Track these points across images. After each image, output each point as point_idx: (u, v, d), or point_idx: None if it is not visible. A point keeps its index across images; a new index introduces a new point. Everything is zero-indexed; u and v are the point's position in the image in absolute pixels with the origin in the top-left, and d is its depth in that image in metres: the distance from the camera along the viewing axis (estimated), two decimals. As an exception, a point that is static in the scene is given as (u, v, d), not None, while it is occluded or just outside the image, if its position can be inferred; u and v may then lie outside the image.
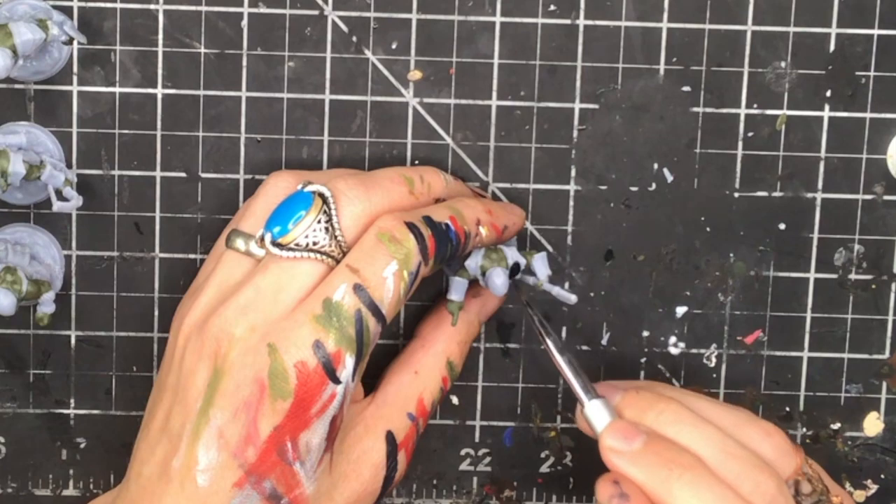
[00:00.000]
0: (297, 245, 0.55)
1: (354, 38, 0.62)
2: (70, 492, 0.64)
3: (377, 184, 0.56)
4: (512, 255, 0.60)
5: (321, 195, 0.55)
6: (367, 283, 0.54)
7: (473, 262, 0.59)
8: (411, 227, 0.55)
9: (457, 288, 0.60)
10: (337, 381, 0.54)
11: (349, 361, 0.54)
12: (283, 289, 0.54)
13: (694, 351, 0.64)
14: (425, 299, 0.63)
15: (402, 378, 0.59)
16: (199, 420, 0.54)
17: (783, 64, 0.62)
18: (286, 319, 0.54)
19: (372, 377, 0.60)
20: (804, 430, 0.65)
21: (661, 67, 0.62)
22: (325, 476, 0.56)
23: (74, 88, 0.61)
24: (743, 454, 0.54)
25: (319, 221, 0.55)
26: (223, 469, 0.53)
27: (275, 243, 0.55)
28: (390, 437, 0.58)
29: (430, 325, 0.61)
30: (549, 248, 0.63)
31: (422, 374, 0.60)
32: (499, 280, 0.59)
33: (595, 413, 0.56)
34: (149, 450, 0.55)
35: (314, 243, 0.55)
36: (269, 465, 0.54)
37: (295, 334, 0.53)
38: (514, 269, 0.60)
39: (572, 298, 0.62)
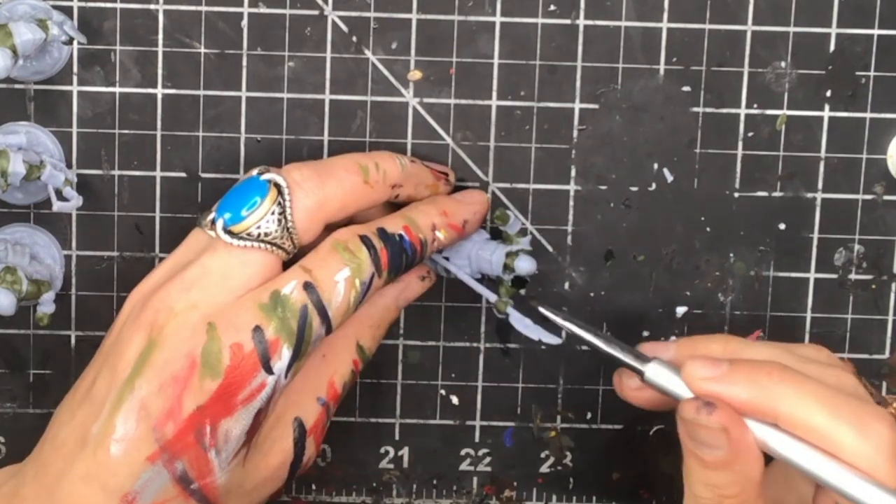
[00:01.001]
0: (248, 234, 0.55)
1: (354, 38, 0.62)
2: (70, 492, 0.64)
3: (331, 174, 0.56)
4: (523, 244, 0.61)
5: (276, 185, 0.55)
6: (318, 284, 0.54)
7: (496, 260, 0.60)
8: (364, 239, 0.56)
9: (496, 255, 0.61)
10: (270, 370, 0.54)
11: (286, 353, 0.54)
12: (231, 275, 0.54)
13: (694, 351, 0.64)
14: (428, 299, 0.63)
15: (310, 363, 0.58)
16: (124, 388, 0.54)
17: (783, 64, 0.62)
18: (232, 305, 0.54)
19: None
20: None
21: (661, 67, 0.62)
22: (238, 469, 0.55)
23: (74, 88, 0.61)
24: (814, 360, 0.54)
25: (273, 213, 0.55)
26: (139, 441, 0.53)
27: (227, 230, 0.55)
28: (299, 424, 0.58)
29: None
30: (550, 248, 0.63)
31: (329, 357, 0.59)
32: (527, 263, 0.61)
33: (659, 373, 0.54)
34: (69, 413, 0.55)
35: (266, 234, 0.55)
36: (184, 445, 0.53)
37: (237, 317, 0.54)
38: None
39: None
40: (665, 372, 0.54)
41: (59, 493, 0.54)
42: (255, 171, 0.56)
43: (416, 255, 0.58)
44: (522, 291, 0.63)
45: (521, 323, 0.62)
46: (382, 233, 0.56)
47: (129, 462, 0.53)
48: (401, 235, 0.57)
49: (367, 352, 0.60)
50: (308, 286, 0.54)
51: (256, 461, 0.56)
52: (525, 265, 0.61)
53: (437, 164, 0.62)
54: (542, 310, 0.57)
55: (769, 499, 0.54)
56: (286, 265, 0.56)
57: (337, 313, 0.55)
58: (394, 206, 0.60)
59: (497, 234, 0.62)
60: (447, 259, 0.61)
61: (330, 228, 0.57)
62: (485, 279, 0.62)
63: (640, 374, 0.54)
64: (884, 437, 0.50)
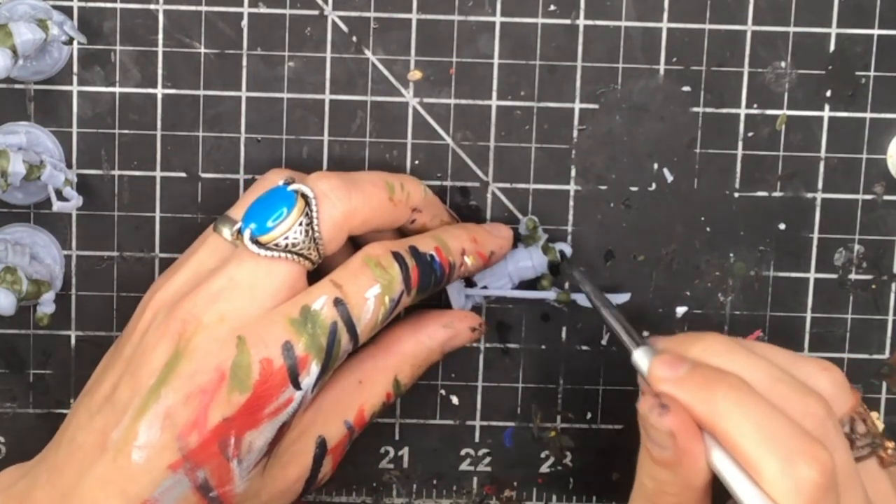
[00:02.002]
0: (275, 245, 0.55)
1: (354, 38, 0.62)
2: (70, 492, 0.64)
3: (359, 187, 0.56)
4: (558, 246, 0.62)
5: (304, 195, 0.55)
6: (349, 300, 0.55)
7: (539, 261, 0.61)
8: (397, 256, 0.56)
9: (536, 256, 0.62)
10: (297, 386, 0.54)
11: (314, 369, 0.54)
12: (257, 286, 0.54)
13: (694, 351, 0.64)
14: (429, 299, 0.63)
15: (344, 385, 0.59)
16: (149, 396, 0.54)
17: (783, 64, 0.62)
18: (261, 318, 0.54)
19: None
20: None
21: (661, 67, 0.62)
22: (257, 478, 0.55)
23: (74, 88, 0.61)
24: (791, 381, 0.53)
25: (301, 224, 0.55)
26: (162, 449, 0.53)
27: (254, 240, 0.55)
28: (321, 443, 0.58)
29: (391, 338, 0.60)
30: (561, 260, 0.63)
31: (366, 386, 0.59)
32: (568, 247, 0.62)
33: (641, 359, 0.54)
34: (87, 416, 0.55)
35: (293, 245, 0.55)
36: (207, 455, 0.53)
37: (266, 332, 0.54)
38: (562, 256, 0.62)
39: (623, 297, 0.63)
40: (646, 360, 0.54)
41: (75, 497, 0.54)
42: (280, 181, 0.56)
43: (444, 277, 0.58)
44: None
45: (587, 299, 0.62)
46: (414, 251, 0.57)
47: (151, 469, 0.53)
48: (432, 255, 0.57)
49: (402, 388, 0.60)
50: (338, 302, 0.55)
51: (275, 472, 0.56)
52: (568, 249, 0.62)
53: (449, 210, 0.62)
54: (574, 273, 0.59)
55: None
56: (311, 275, 0.56)
57: (365, 329, 0.55)
58: (401, 235, 0.60)
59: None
60: (485, 287, 0.62)
61: (353, 240, 0.57)
62: (517, 286, 0.62)
63: (629, 352, 0.55)
64: (808, 479, 0.49)
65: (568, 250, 0.62)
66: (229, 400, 0.53)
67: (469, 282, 0.62)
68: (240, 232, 0.55)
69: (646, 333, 0.64)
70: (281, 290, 0.55)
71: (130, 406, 0.54)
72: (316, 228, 0.55)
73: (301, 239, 0.55)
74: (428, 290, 0.58)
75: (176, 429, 0.53)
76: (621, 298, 0.63)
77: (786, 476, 0.49)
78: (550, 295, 0.62)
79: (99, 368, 0.58)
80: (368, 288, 0.55)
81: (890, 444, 0.55)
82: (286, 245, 0.55)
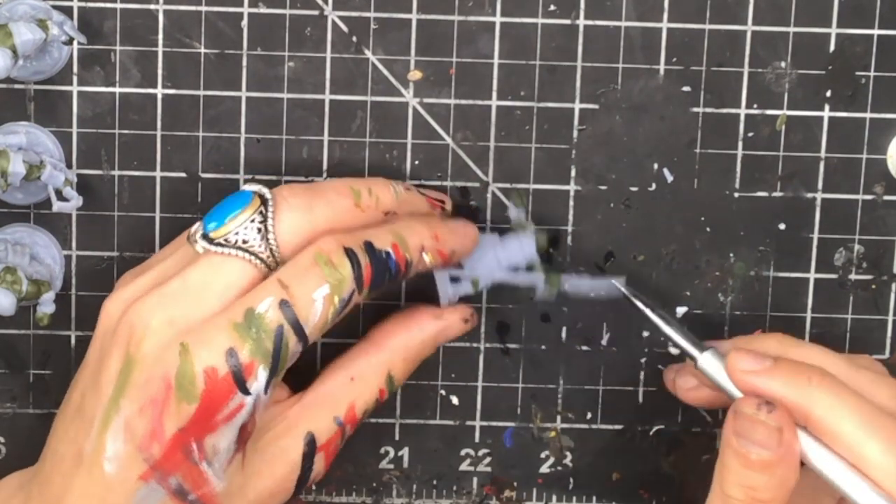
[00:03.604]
0: (226, 241, 0.54)
1: (354, 38, 0.62)
2: (70, 492, 0.64)
3: (321, 195, 0.55)
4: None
5: (261, 196, 0.55)
6: (295, 302, 0.53)
7: (529, 246, 0.61)
8: (350, 253, 0.54)
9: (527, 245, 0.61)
10: (246, 391, 0.53)
11: (262, 374, 0.53)
12: (207, 286, 0.53)
13: (694, 351, 0.64)
14: (428, 300, 0.63)
15: (336, 380, 0.58)
16: (110, 408, 0.53)
17: (783, 64, 0.62)
18: (206, 322, 0.53)
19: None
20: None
21: (661, 67, 0.62)
22: (236, 474, 0.55)
23: (74, 88, 0.61)
24: (868, 370, 0.53)
25: (253, 220, 0.54)
26: (129, 460, 0.53)
27: (205, 236, 0.54)
28: (310, 439, 0.57)
29: (382, 332, 0.60)
30: (550, 248, 0.63)
31: (358, 382, 0.58)
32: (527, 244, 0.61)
33: (712, 364, 0.54)
34: (64, 428, 0.55)
35: (244, 241, 0.54)
36: (174, 463, 0.53)
37: (209, 338, 0.53)
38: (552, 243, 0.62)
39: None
40: (717, 363, 0.54)
41: None
42: (245, 186, 0.56)
43: (400, 275, 0.56)
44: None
45: (577, 287, 0.62)
46: (369, 247, 0.55)
47: (123, 480, 0.53)
48: (388, 252, 0.56)
49: (396, 383, 0.59)
50: (284, 304, 0.53)
51: (258, 467, 0.56)
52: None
53: (433, 191, 0.61)
54: (614, 282, 0.59)
55: None
56: None
57: (314, 330, 0.54)
58: None
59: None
60: (475, 281, 0.61)
61: None
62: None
63: (693, 360, 0.55)
64: None
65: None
66: (179, 410, 0.53)
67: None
68: (196, 233, 0.55)
69: (645, 334, 0.64)
70: (229, 291, 0.53)
71: (96, 417, 0.54)
72: (270, 228, 0.54)
73: (252, 236, 0.54)
74: (381, 288, 0.56)
75: (136, 440, 0.53)
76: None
77: (890, 458, 0.50)
78: (539, 280, 0.62)
79: (75, 377, 0.57)
80: (316, 288, 0.53)
81: None
82: (236, 241, 0.54)
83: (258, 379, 0.53)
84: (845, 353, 0.64)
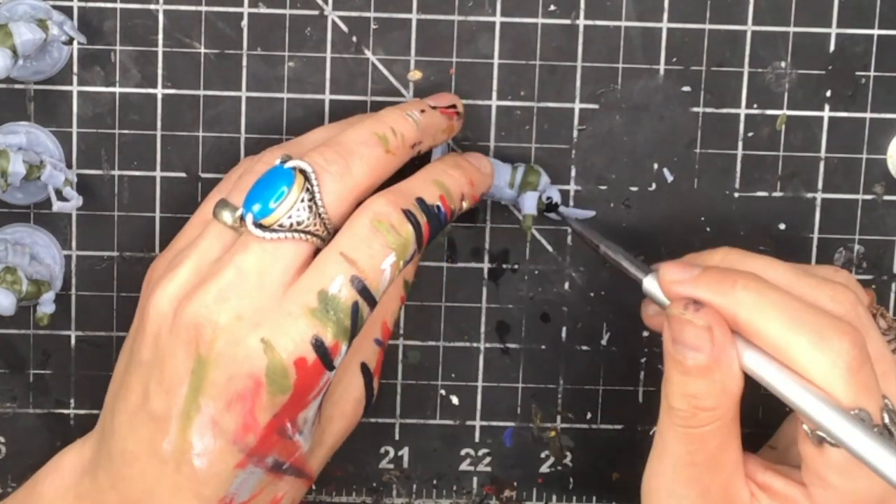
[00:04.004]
0: (280, 226, 0.53)
1: (354, 38, 0.62)
2: (70, 492, 0.64)
3: (354, 153, 0.54)
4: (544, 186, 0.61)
5: (302, 171, 0.53)
6: (366, 276, 0.53)
7: (518, 183, 0.61)
8: (408, 214, 0.54)
9: (528, 202, 0.61)
10: (332, 367, 0.53)
11: (344, 349, 0.53)
12: (266, 272, 0.53)
13: (694, 351, 0.64)
14: (428, 299, 0.63)
15: None
16: (189, 407, 0.53)
17: (783, 64, 0.62)
18: (277, 310, 0.52)
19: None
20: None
21: (661, 67, 0.62)
22: (316, 428, 0.56)
23: (74, 88, 0.61)
24: (813, 276, 0.53)
25: (303, 200, 0.53)
26: (222, 453, 0.53)
27: (257, 224, 0.53)
28: (365, 369, 0.59)
29: None
30: (550, 248, 0.63)
31: (382, 300, 0.56)
32: (530, 202, 0.61)
33: (652, 283, 0.54)
34: (129, 425, 0.54)
35: (298, 223, 0.53)
36: (270, 445, 0.54)
37: (291, 329, 0.52)
38: (550, 207, 0.62)
39: (587, 213, 0.62)
40: (656, 283, 0.54)
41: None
42: (277, 161, 0.54)
43: (447, 224, 0.56)
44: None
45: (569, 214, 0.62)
46: (422, 204, 0.55)
47: (217, 472, 0.53)
48: (438, 206, 0.55)
49: (410, 283, 0.60)
50: (355, 280, 0.52)
51: (329, 412, 0.57)
52: (557, 194, 0.62)
53: (441, 97, 0.60)
54: (562, 209, 0.59)
55: (778, 462, 0.54)
56: None
57: (383, 295, 0.54)
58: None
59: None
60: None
61: None
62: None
63: (639, 282, 0.55)
64: (842, 352, 0.49)
65: (557, 196, 0.61)
66: (273, 402, 0.53)
67: None
68: (242, 218, 0.53)
69: (646, 334, 0.64)
70: (288, 273, 0.53)
71: (171, 416, 0.53)
72: (320, 203, 0.53)
73: (305, 216, 0.53)
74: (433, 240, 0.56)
75: (228, 434, 0.53)
76: (586, 214, 0.63)
77: (818, 353, 0.49)
78: (532, 207, 0.61)
79: (119, 369, 0.57)
80: (384, 259, 0.53)
81: None
82: (291, 225, 0.53)
83: (341, 354, 0.53)
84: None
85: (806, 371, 0.49)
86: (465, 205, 0.57)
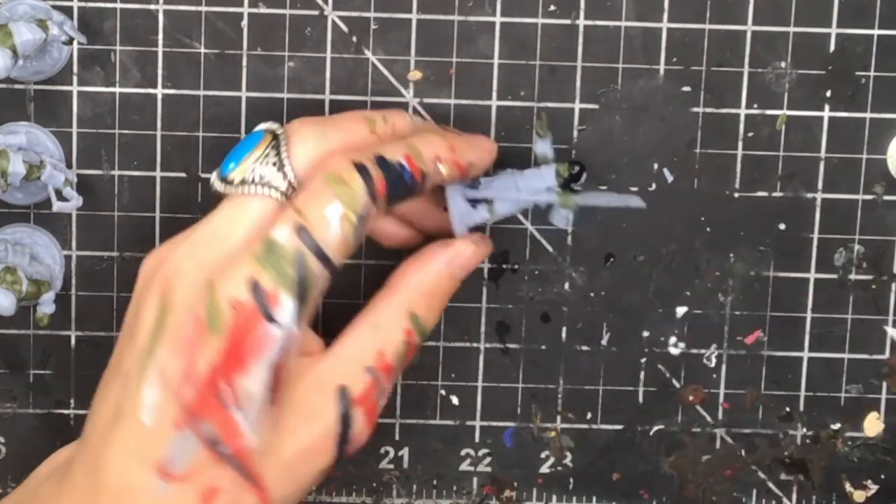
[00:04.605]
0: (244, 180, 0.54)
1: (354, 38, 0.62)
2: (70, 492, 0.64)
3: (334, 123, 0.56)
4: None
5: (272, 132, 0.55)
6: (310, 225, 0.53)
7: (548, 172, 0.60)
8: (360, 168, 0.54)
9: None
10: (273, 321, 0.53)
11: (287, 302, 0.53)
12: (232, 226, 0.54)
13: (694, 351, 0.64)
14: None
15: (360, 332, 0.57)
16: (147, 358, 0.53)
17: (783, 64, 0.62)
18: (229, 258, 0.53)
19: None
20: (804, 430, 0.65)
21: (661, 67, 0.62)
22: (270, 431, 0.54)
23: (74, 88, 0.61)
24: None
25: (267, 155, 0.54)
26: (164, 406, 0.53)
27: (222, 179, 0.55)
28: (343, 393, 0.55)
29: (397, 275, 0.58)
30: (550, 248, 0.63)
31: (382, 328, 0.56)
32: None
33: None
34: (105, 391, 0.55)
35: (261, 177, 0.54)
36: (206, 406, 0.53)
37: (233, 272, 0.53)
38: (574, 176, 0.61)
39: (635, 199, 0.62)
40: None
41: (101, 468, 0.53)
42: (258, 126, 0.56)
43: (417, 187, 0.56)
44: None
45: (589, 200, 0.61)
46: (381, 161, 0.55)
47: (158, 430, 0.53)
48: (401, 164, 0.55)
49: (423, 322, 0.57)
50: (301, 230, 0.53)
51: (293, 425, 0.55)
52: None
53: (449, 128, 0.60)
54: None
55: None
56: None
57: (336, 252, 0.54)
58: None
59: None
60: (490, 202, 0.59)
61: None
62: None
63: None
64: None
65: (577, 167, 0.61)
66: (210, 345, 0.52)
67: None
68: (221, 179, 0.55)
69: (646, 334, 0.64)
70: (252, 227, 0.54)
71: (133, 371, 0.53)
72: (285, 161, 0.54)
73: (270, 172, 0.54)
74: (400, 200, 0.56)
75: (171, 384, 0.53)
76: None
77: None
78: (552, 198, 0.60)
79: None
80: (328, 207, 0.53)
81: None
82: (253, 179, 0.54)
83: (284, 307, 0.53)
84: (845, 353, 0.64)
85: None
86: (443, 169, 0.57)
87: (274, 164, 0.54)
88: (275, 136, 0.55)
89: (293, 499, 0.55)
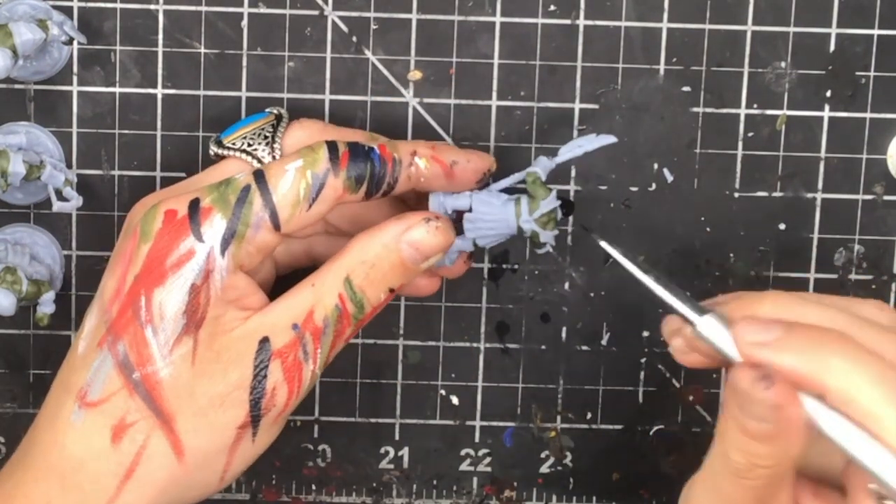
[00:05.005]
0: (233, 145, 0.57)
1: (354, 38, 0.62)
2: (70, 492, 0.64)
3: (338, 129, 0.58)
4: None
5: (278, 114, 0.59)
6: (268, 170, 0.54)
7: (508, 211, 0.57)
8: (329, 143, 0.55)
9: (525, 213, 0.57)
10: (199, 237, 0.53)
11: (218, 223, 0.54)
12: (204, 179, 0.57)
13: (694, 351, 0.64)
14: (428, 299, 0.63)
15: (297, 291, 0.55)
16: (99, 289, 0.55)
17: (783, 64, 0.62)
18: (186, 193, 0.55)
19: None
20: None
21: (661, 67, 0.62)
22: (184, 364, 0.54)
23: (74, 88, 0.61)
24: (873, 325, 0.51)
25: (262, 129, 0.58)
26: (95, 329, 0.54)
27: (217, 141, 0.58)
28: (264, 345, 0.54)
29: (349, 241, 0.56)
30: (550, 248, 0.63)
31: (317, 287, 0.55)
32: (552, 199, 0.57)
33: (712, 328, 0.50)
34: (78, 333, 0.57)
35: (249, 145, 0.57)
36: (125, 323, 0.53)
37: (183, 195, 0.55)
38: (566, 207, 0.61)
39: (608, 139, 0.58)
40: (720, 328, 0.50)
41: (43, 405, 0.55)
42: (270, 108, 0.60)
43: (386, 171, 0.55)
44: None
45: (569, 152, 0.58)
46: (352, 144, 0.55)
47: (86, 354, 0.54)
48: (372, 147, 0.55)
49: (358, 291, 0.55)
50: (258, 173, 0.54)
51: (209, 368, 0.54)
52: (550, 201, 0.57)
53: (473, 158, 0.58)
54: (603, 244, 0.54)
55: (799, 460, 0.51)
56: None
57: (284, 202, 0.54)
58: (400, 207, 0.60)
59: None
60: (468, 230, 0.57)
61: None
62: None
63: (691, 324, 0.51)
64: None
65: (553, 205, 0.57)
66: (139, 254, 0.54)
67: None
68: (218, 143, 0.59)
69: (646, 334, 0.64)
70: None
71: (91, 305, 0.56)
72: (278, 140, 0.57)
73: (259, 144, 0.57)
74: (364, 179, 0.55)
75: (104, 303, 0.54)
76: (607, 140, 0.58)
77: None
78: (527, 225, 0.57)
79: None
80: (290, 161, 0.54)
81: None
82: (242, 146, 0.57)
83: (213, 226, 0.54)
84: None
85: (894, 441, 0.48)
86: (421, 163, 0.56)
87: (265, 138, 0.57)
88: (278, 117, 0.58)
89: (211, 458, 0.54)
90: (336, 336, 0.55)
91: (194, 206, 0.54)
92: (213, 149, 0.58)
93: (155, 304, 0.53)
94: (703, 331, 0.51)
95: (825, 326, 0.50)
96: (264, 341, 0.54)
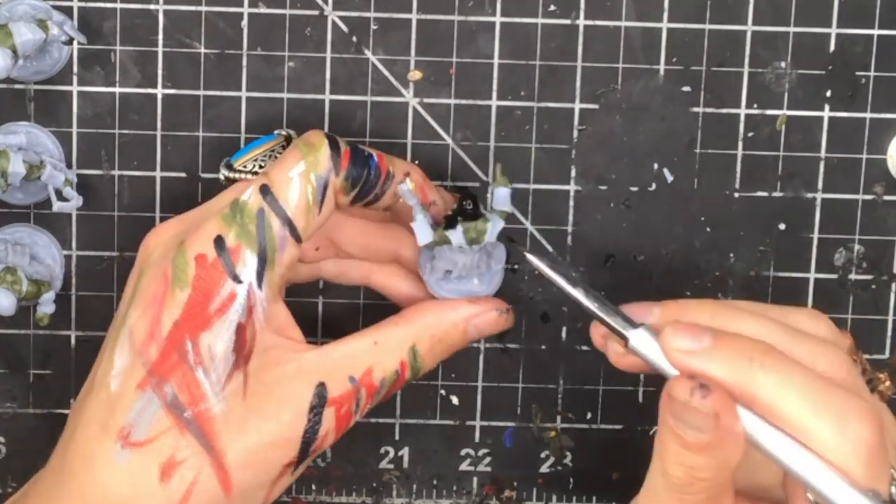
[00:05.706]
0: (244, 168, 0.58)
1: (354, 38, 0.62)
2: (70, 492, 0.64)
3: (349, 145, 0.57)
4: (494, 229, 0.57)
5: (287, 135, 0.59)
6: (272, 183, 0.54)
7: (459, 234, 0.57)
8: (331, 138, 0.55)
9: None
10: (237, 279, 0.54)
11: (250, 259, 0.54)
12: (216, 203, 0.56)
13: (694, 351, 0.64)
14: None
15: (358, 342, 0.56)
16: (121, 325, 0.54)
17: (783, 64, 0.62)
18: (201, 222, 0.55)
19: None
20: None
21: (661, 67, 0.62)
22: (236, 398, 0.53)
23: (74, 88, 0.61)
24: (804, 336, 0.51)
25: (273, 151, 0.58)
26: (130, 369, 0.53)
27: (228, 166, 0.59)
28: (320, 389, 0.55)
29: (414, 308, 0.58)
30: (550, 248, 0.63)
31: (380, 347, 0.56)
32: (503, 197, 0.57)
33: (645, 342, 0.50)
34: (91, 372, 0.56)
35: (261, 167, 0.58)
36: (170, 366, 0.53)
37: (201, 230, 0.54)
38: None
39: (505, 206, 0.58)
40: (652, 341, 0.50)
41: (71, 440, 0.54)
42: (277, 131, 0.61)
43: (380, 181, 0.56)
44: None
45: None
46: (353, 144, 0.56)
47: (123, 394, 0.53)
48: (371, 154, 0.56)
49: (420, 361, 0.56)
50: (265, 190, 0.54)
51: (262, 404, 0.54)
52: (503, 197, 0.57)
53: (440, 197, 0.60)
54: (529, 258, 0.54)
55: (736, 480, 0.51)
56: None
57: (297, 212, 0.54)
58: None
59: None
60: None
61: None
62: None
63: (624, 339, 0.51)
64: (863, 436, 0.47)
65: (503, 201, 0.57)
66: (175, 300, 0.53)
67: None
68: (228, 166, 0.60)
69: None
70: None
71: (110, 339, 0.55)
72: None
73: (269, 166, 0.57)
74: (360, 183, 0.55)
75: (137, 345, 0.53)
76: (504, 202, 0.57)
77: (841, 438, 0.47)
78: (427, 236, 0.57)
79: None
80: (292, 167, 0.55)
81: (883, 377, 0.54)
82: (251, 169, 0.58)
83: (247, 265, 0.54)
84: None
85: (825, 452, 0.48)
86: (409, 185, 0.57)
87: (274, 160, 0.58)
88: (287, 139, 0.58)
89: (254, 493, 0.54)
90: (385, 396, 0.57)
91: (220, 245, 0.54)
92: (224, 172, 0.59)
93: (203, 347, 0.53)
94: (635, 345, 0.51)
95: (754, 338, 0.50)
96: (321, 387, 0.55)
